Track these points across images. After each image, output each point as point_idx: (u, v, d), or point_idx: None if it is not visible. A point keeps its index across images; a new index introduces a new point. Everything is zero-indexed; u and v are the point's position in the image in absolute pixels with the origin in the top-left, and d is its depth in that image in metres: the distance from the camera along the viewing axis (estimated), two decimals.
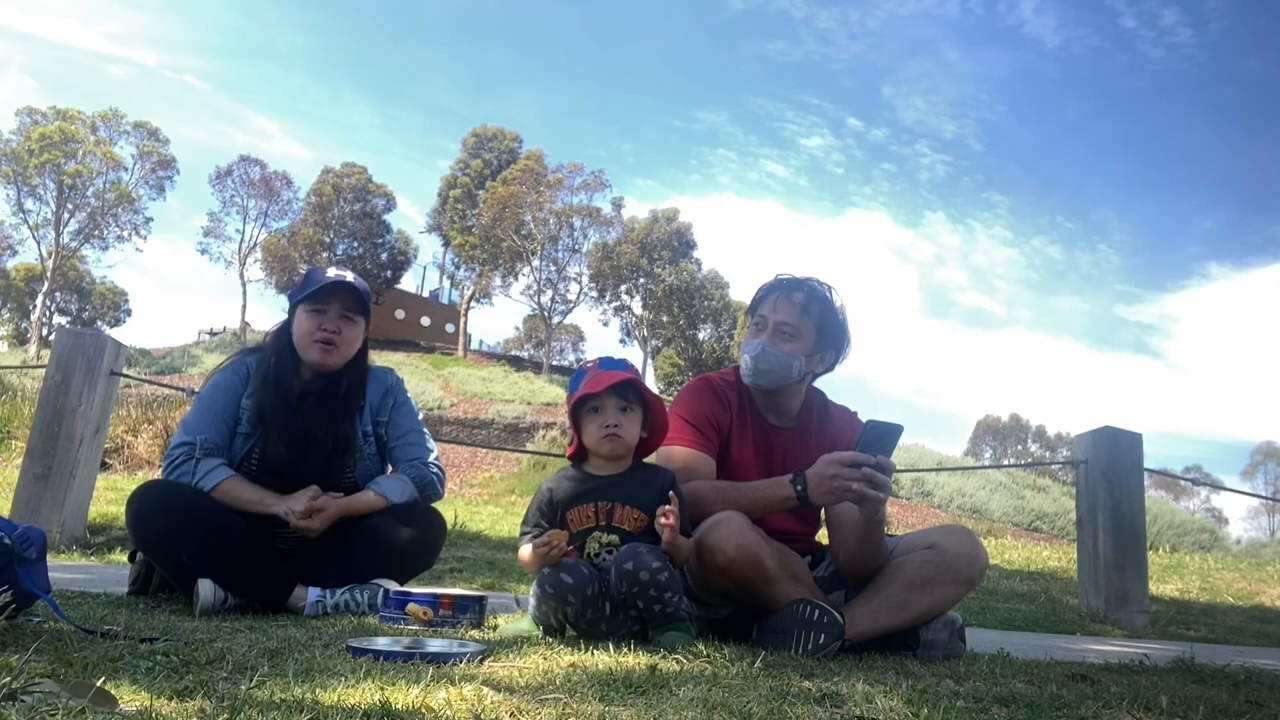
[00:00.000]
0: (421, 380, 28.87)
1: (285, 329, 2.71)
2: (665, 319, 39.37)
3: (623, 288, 39.06)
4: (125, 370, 5.05)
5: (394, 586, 2.45)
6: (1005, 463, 50.89)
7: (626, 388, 2.21)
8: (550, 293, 38.48)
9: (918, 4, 73.60)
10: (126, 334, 47.90)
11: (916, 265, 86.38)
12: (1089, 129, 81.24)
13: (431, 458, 2.79)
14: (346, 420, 2.69)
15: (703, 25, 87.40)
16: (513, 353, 45.74)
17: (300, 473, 2.60)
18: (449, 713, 1.23)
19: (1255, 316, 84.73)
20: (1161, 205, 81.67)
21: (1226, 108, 78.67)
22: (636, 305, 39.76)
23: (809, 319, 2.43)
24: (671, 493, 2.11)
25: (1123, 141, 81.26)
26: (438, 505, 2.83)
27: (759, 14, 79.09)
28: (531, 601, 2.11)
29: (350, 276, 2.68)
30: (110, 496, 6.48)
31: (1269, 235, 76.81)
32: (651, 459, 2.36)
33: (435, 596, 2.29)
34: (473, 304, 40.37)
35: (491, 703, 1.29)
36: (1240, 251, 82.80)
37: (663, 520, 2.05)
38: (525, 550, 2.17)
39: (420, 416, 2.89)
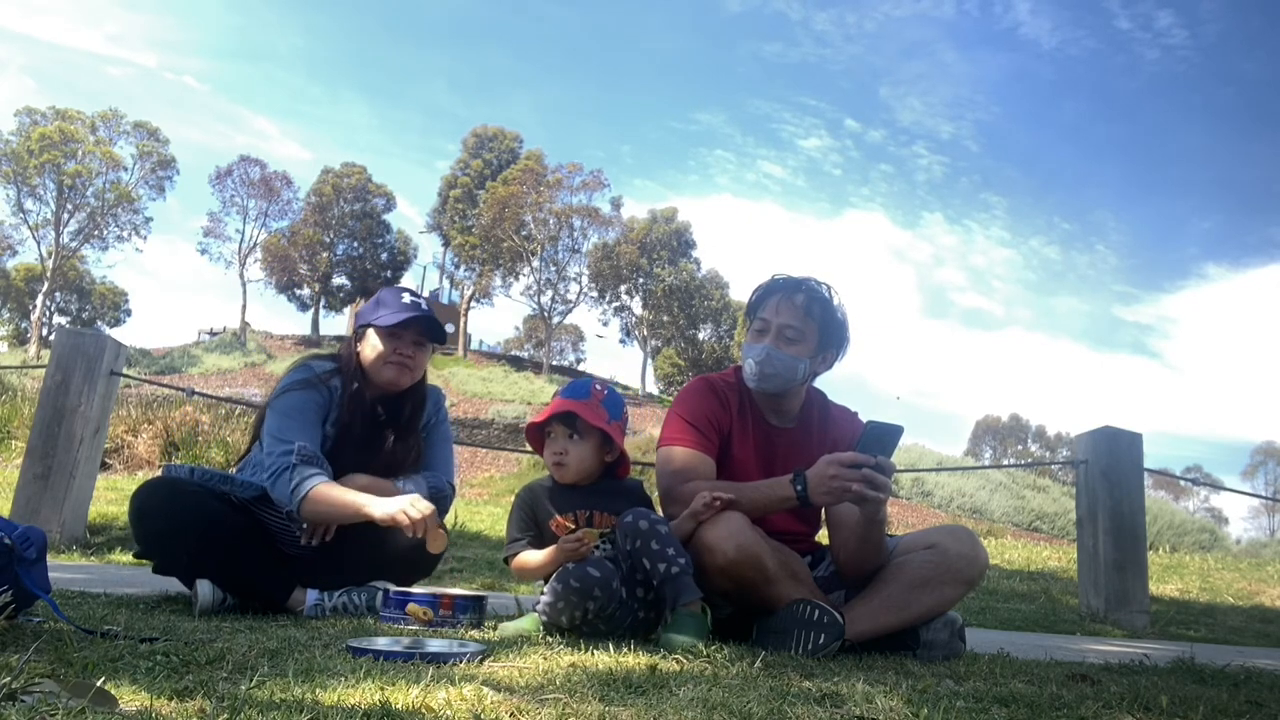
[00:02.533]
0: None
1: (353, 353, 2.69)
2: (665, 319, 39.36)
3: (622, 288, 39.06)
4: (125, 370, 5.05)
5: (393, 588, 2.44)
6: (1005, 463, 50.88)
7: (572, 418, 2.24)
8: (550, 293, 38.49)
9: (914, 6, 73.79)
10: (126, 334, 47.94)
11: (914, 266, 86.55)
12: (1086, 130, 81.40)
13: (450, 476, 2.81)
14: (405, 442, 2.71)
15: (700, 27, 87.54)
16: (513, 353, 45.77)
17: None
18: (449, 713, 1.23)
19: (1253, 317, 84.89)
20: (1158, 206, 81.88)
21: (1222, 109, 78.85)
22: (636, 305, 39.78)
23: (812, 320, 2.43)
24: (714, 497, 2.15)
25: (1119, 143, 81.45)
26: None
27: (756, 16, 79.23)
28: (546, 598, 2.11)
29: (424, 303, 2.71)
30: (110, 496, 6.48)
31: (1266, 236, 76.98)
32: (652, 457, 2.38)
33: (435, 596, 2.29)
34: (473, 304, 40.38)
35: (491, 703, 1.29)
36: (1237, 252, 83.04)
37: (706, 501, 2.12)
38: (533, 556, 2.20)
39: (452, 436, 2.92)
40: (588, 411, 2.23)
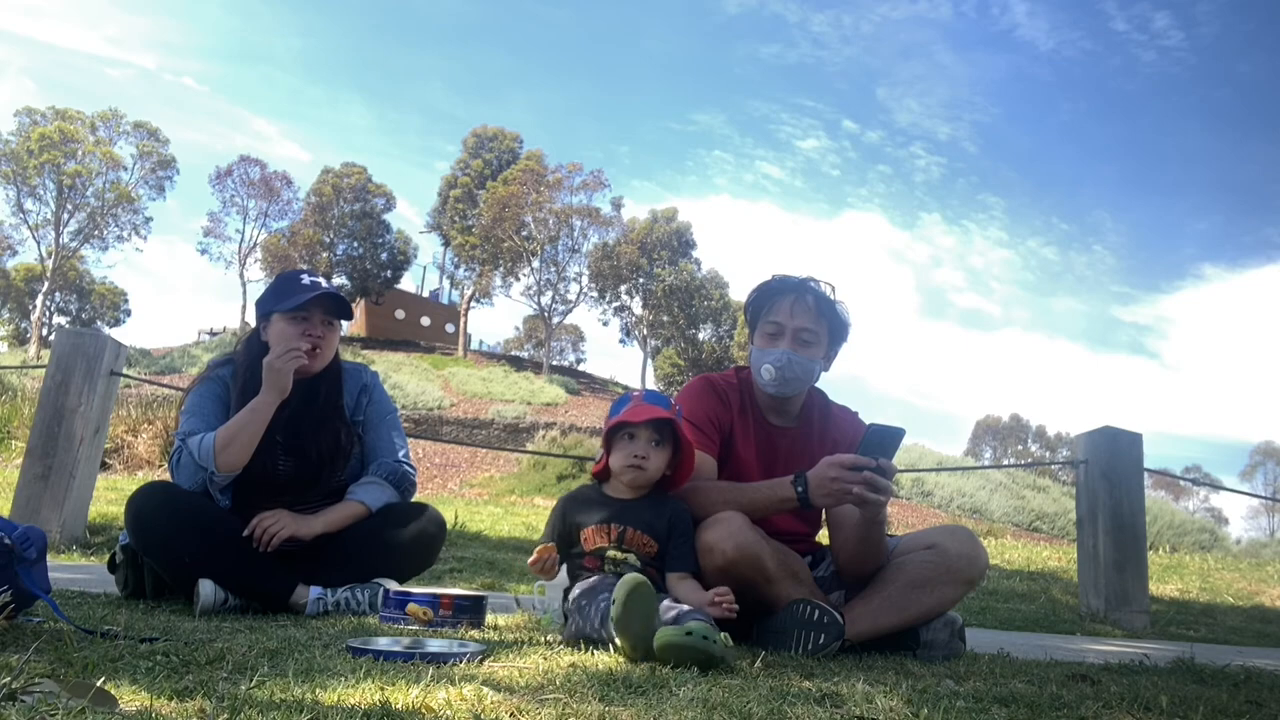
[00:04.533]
0: (421, 380, 28.86)
1: (257, 338, 2.68)
2: (665, 319, 39.34)
3: (623, 288, 39.03)
4: (125, 370, 5.05)
5: (394, 586, 2.45)
6: (1005, 463, 50.88)
7: (665, 424, 2.20)
8: (550, 293, 38.47)
9: (911, 7, 73.81)
10: (126, 334, 47.92)
11: (913, 266, 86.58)
12: (1083, 131, 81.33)
13: (401, 454, 2.79)
14: (332, 423, 2.69)
15: (698, 28, 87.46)
16: (513, 353, 45.73)
17: (293, 482, 2.61)
18: (449, 713, 1.23)
19: (1250, 317, 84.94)
20: (1156, 207, 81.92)
21: (1219, 110, 78.86)
22: (636, 305, 39.74)
23: (824, 321, 2.44)
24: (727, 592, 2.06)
25: (1116, 144, 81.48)
26: (438, 505, 2.84)
27: (754, 17, 79.18)
28: (566, 616, 2.13)
29: (324, 283, 2.71)
30: (110, 496, 6.48)
31: (1263, 236, 77.04)
32: None
33: (435, 596, 2.29)
34: (473, 304, 40.36)
35: (491, 703, 1.30)
36: (1235, 253, 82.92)
37: (720, 606, 2.02)
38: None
39: (397, 412, 2.90)
40: (680, 425, 2.21)
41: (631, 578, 1.82)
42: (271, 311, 2.64)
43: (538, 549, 2.11)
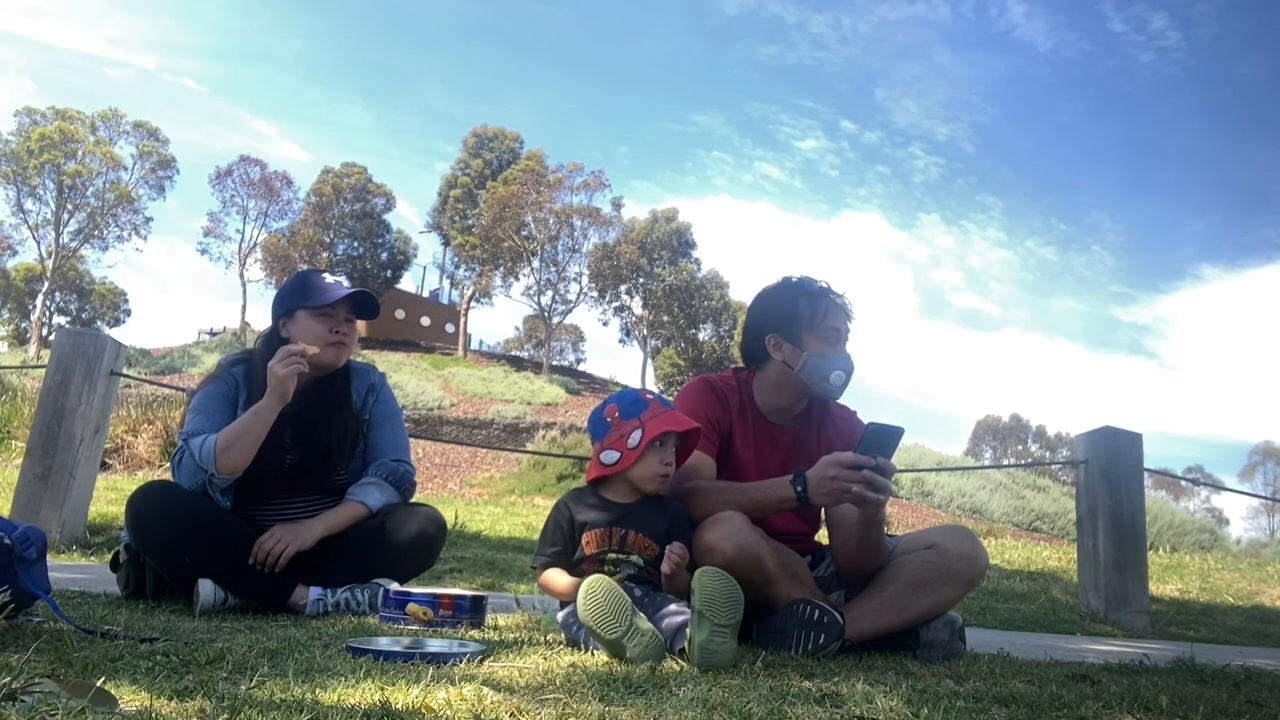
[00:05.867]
0: (421, 380, 28.86)
1: (276, 336, 2.69)
2: (665, 319, 39.35)
3: (623, 288, 39.04)
4: (125, 370, 5.05)
5: (394, 586, 2.45)
6: (1005, 463, 50.89)
7: (692, 435, 2.24)
8: (550, 293, 38.48)
9: (909, 8, 73.87)
10: (126, 334, 47.91)
11: (911, 267, 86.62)
12: (1081, 132, 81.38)
13: (403, 455, 2.80)
14: (341, 414, 2.71)
15: (696, 29, 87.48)
16: (513, 353, 45.74)
17: (298, 475, 2.62)
18: (449, 713, 1.23)
19: (1248, 317, 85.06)
20: (1154, 208, 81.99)
21: (1217, 111, 78.92)
22: (636, 305, 39.75)
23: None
24: (679, 544, 2.10)
25: (1115, 144, 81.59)
26: (438, 505, 2.84)
27: (752, 18, 79.25)
28: (563, 620, 2.13)
29: (345, 283, 2.75)
30: (110, 496, 6.48)
31: (1261, 237, 77.08)
32: None
33: (435, 596, 2.29)
34: (473, 304, 40.37)
35: (491, 703, 1.30)
36: (1233, 253, 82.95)
37: (673, 559, 2.05)
38: (562, 578, 2.13)
39: (401, 413, 2.92)
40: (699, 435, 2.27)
41: (590, 580, 1.87)
42: (298, 307, 2.67)
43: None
